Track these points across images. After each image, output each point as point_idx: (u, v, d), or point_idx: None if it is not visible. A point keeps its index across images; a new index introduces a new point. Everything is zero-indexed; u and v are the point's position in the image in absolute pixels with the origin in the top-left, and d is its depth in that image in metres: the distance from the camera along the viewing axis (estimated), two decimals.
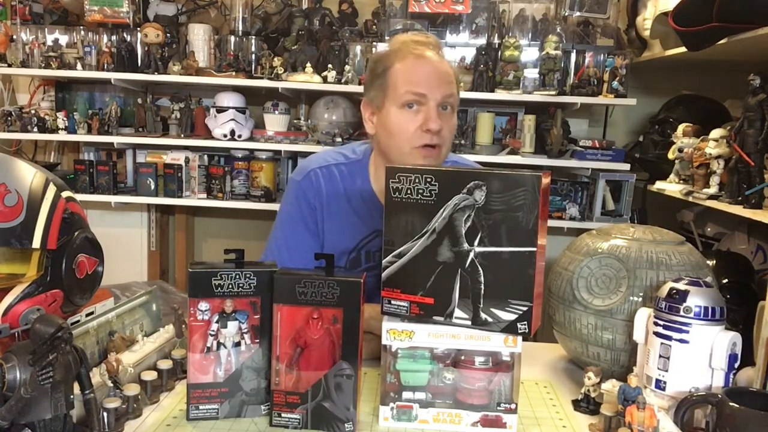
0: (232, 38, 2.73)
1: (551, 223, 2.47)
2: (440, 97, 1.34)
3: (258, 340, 1.05)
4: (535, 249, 0.97)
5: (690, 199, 2.10)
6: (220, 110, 2.62)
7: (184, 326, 1.24)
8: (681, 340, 1.06)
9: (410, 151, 1.35)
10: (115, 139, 2.67)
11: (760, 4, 1.70)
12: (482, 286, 1.00)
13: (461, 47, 2.67)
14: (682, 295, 1.06)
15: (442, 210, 1.01)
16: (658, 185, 2.40)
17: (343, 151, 1.53)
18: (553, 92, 2.50)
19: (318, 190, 1.46)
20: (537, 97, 2.52)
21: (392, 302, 1.06)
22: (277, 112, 2.71)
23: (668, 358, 1.07)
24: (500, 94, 2.51)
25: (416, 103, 1.34)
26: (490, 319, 1.01)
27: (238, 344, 1.05)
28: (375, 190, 1.46)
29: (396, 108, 1.36)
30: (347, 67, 2.56)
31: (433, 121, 1.32)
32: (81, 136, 2.69)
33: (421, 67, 1.35)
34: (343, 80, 2.55)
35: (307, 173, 1.47)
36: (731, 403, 0.94)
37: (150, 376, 1.11)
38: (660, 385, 1.08)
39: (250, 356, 1.05)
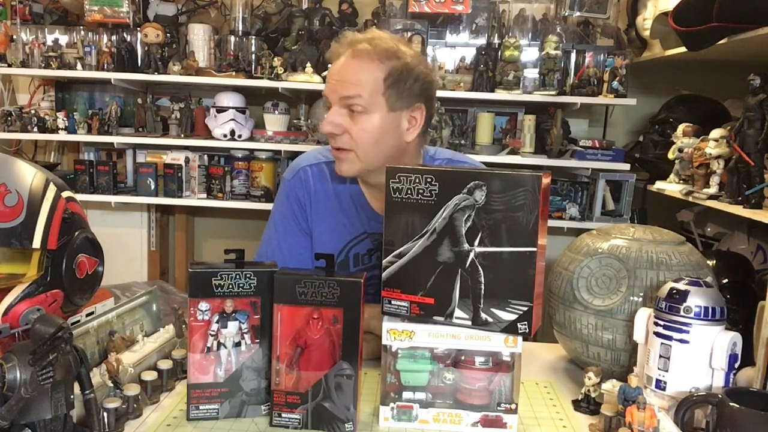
0: (232, 38, 2.73)
1: (551, 223, 2.47)
2: (337, 98, 1.30)
3: (258, 340, 1.05)
4: (535, 249, 0.97)
5: (690, 199, 2.10)
6: (220, 110, 2.62)
7: (184, 326, 1.24)
8: (681, 340, 1.05)
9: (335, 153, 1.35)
10: (115, 139, 2.67)
11: (760, 4, 1.70)
12: (482, 286, 1.00)
13: (461, 47, 2.68)
14: (683, 295, 1.06)
15: (442, 210, 1.01)
16: (658, 185, 2.40)
17: None
18: (553, 92, 2.50)
19: (307, 188, 1.44)
20: (537, 97, 2.52)
21: (392, 302, 1.06)
22: (277, 112, 2.71)
23: (668, 358, 1.07)
24: (500, 94, 2.51)
25: (330, 106, 1.33)
26: (490, 319, 1.01)
27: (238, 344, 1.05)
28: (364, 190, 1.44)
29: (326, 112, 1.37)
30: None
31: (324, 124, 1.31)
32: (81, 136, 2.69)
33: (331, 70, 1.34)
34: None
35: (297, 171, 1.46)
36: (731, 403, 0.94)
37: (150, 376, 1.11)
38: (660, 385, 1.08)
39: (251, 356, 1.05)
